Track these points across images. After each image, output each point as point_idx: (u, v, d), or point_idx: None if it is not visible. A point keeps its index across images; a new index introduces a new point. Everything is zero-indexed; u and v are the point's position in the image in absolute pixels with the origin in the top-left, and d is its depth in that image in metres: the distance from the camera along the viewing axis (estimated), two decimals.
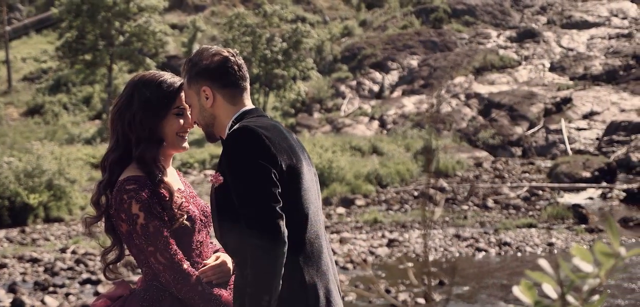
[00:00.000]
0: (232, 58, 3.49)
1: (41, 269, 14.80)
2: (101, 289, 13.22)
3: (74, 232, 19.01)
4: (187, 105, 3.56)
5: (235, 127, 3.35)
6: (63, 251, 16.32)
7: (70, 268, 14.77)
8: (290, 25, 42.08)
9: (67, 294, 12.98)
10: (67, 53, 39.62)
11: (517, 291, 1.03)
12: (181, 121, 3.56)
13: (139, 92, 3.51)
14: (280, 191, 3.20)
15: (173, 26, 48.76)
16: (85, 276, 14.16)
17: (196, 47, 45.61)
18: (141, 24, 39.39)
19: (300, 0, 55.32)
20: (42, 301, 12.47)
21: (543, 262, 1.08)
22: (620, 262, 1.07)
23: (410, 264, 15.52)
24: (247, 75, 3.56)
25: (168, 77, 3.58)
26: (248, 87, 3.56)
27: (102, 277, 14.01)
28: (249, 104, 3.52)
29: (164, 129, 3.51)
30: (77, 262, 15.13)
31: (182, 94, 3.55)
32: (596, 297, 1.02)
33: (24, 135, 35.56)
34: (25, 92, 44.17)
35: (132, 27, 39.42)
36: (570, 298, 1.01)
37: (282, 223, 3.15)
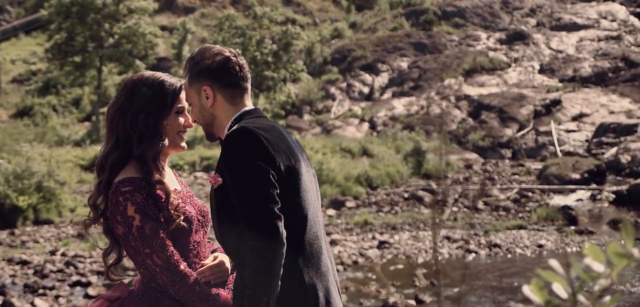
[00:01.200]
0: (234, 58, 3.49)
1: (31, 271, 14.76)
2: (91, 291, 13.19)
3: (63, 234, 18.96)
4: (186, 104, 3.57)
5: (234, 128, 3.35)
6: (53, 253, 16.27)
7: (60, 270, 14.73)
8: (280, 27, 42.07)
9: (56, 296, 12.95)
10: (57, 55, 39.49)
11: (527, 290, 1.03)
12: (181, 120, 3.57)
13: (139, 92, 3.50)
14: (278, 191, 3.20)
15: (163, 28, 48.70)
16: (75, 278, 14.12)
17: (186, 48, 45.62)
18: (131, 25, 39.30)
19: (290, 2, 55.33)
20: (32, 304, 12.44)
21: (554, 262, 1.08)
22: (632, 263, 1.07)
23: (400, 265, 15.53)
24: (249, 76, 3.55)
25: (168, 76, 3.59)
26: (249, 87, 3.55)
27: (92, 279, 13.98)
28: (249, 105, 3.52)
29: (166, 128, 3.51)
30: (67, 264, 15.09)
31: (183, 93, 3.56)
32: (608, 298, 1.02)
33: (13, 137, 35.45)
34: (15, 94, 44.06)
35: (122, 29, 39.33)
36: (581, 298, 1.00)
37: (281, 224, 3.14)
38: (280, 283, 3.16)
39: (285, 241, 3.15)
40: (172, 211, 3.41)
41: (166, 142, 3.52)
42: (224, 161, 3.29)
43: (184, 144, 3.60)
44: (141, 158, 3.45)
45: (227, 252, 3.45)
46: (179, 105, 3.55)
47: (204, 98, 3.47)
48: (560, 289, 0.99)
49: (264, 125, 3.36)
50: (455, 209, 22.33)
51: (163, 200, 3.40)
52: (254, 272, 3.11)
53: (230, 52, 3.51)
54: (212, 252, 3.64)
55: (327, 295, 3.34)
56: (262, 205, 3.15)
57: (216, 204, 3.35)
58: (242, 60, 3.53)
